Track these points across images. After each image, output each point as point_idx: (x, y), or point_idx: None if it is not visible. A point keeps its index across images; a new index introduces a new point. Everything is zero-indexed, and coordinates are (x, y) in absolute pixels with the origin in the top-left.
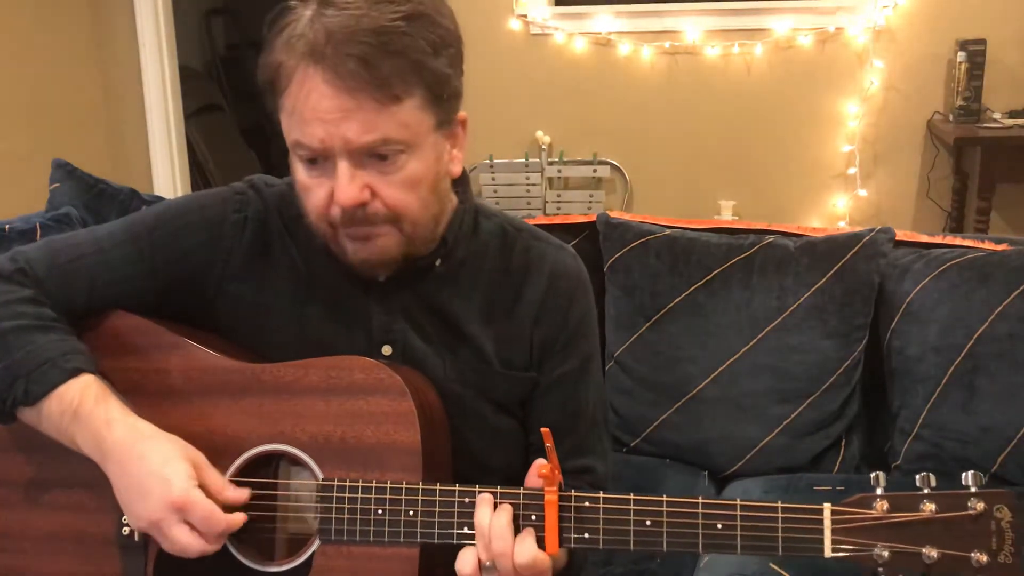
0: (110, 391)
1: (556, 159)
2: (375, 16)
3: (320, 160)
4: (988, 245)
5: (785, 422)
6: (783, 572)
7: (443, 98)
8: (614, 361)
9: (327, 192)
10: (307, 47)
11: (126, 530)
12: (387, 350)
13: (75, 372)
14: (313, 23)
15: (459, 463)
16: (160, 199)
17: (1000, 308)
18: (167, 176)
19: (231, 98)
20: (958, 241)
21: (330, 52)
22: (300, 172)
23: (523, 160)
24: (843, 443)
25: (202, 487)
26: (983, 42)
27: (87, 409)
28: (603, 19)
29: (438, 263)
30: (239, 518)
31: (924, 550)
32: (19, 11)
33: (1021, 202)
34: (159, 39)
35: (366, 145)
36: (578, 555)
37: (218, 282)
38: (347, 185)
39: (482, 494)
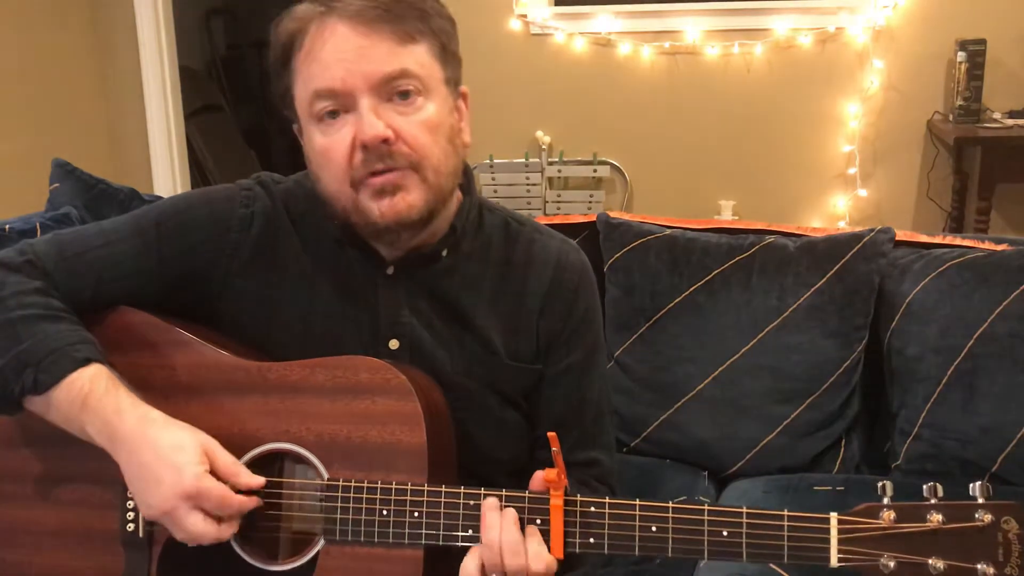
0: (119, 380)
1: (556, 159)
2: None
3: (340, 112)
4: (988, 245)
5: (785, 422)
6: (783, 574)
7: (449, 53)
8: (614, 361)
9: (349, 141)
10: (321, 6)
11: (131, 526)
12: (394, 344)
13: (85, 361)
14: None
15: (465, 456)
16: (160, 199)
17: (1000, 308)
18: (167, 176)
19: (231, 98)
20: (958, 241)
21: (344, 3)
22: (317, 136)
23: (523, 160)
24: (843, 443)
25: (216, 471)
26: (983, 42)
27: (97, 398)
28: (603, 19)
29: (444, 253)
30: (252, 499)
31: (931, 561)
32: (19, 11)
33: (1021, 202)
34: (159, 39)
35: (387, 75)
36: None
37: (224, 277)
38: (371, 119)
39: (489, 499)
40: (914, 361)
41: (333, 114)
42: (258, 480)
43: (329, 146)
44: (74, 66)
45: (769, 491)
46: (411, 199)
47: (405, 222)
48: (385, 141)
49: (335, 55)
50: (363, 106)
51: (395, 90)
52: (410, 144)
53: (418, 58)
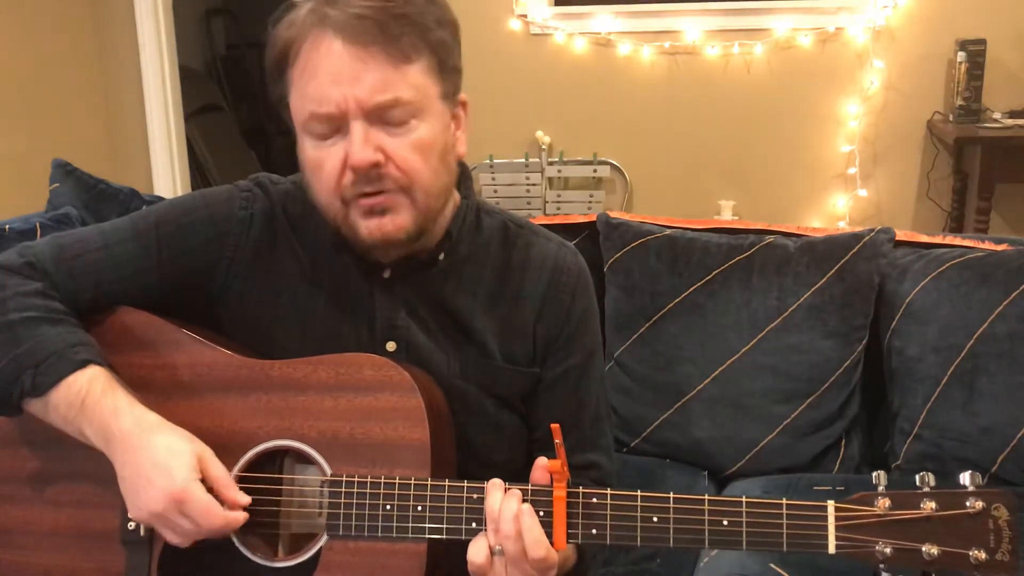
0: (117, 383)
1: (556, 159)
2: None
3: (332, 131)
4: (988, 245)
5: (785, 422)
6: (783, 572)
7: (448, 67)
8: (614, 361)
9: (340, 160)
10: (315, 17)
11: (131, 525)
12: (391, 346)
13: (83, 364)
14: (321, 3)
15: (461, 458)
16: (160, 199)
17: (1000, 308)
18: (167, 176)
19: (231, 98)
20: (958, 241)
21: (339, 14)
22: (310, 149)
23: (523, 160)
24: (843, 443)
25: (207, 481)
26: (983, 42)
27: (94, 399)
28: (603, 19)
29: (441, 257)
30: (240, 516)
31: (925, 547)
32: (19, 11)
33: (1021, 202)
34: (159, 39)
35: (380, 105)
36: (587, 555)
37: (224, 278)
38: (361, 145)
39: (493, 480)
40: (914, 361)
41: (326, 133)
42: (244, 499)
43: (321, 162)
44: (74, 66)
45: (769, 491)
46: (400, 221)
47: (393, 242)
48: (375, 165)
49: (330, 77)
50: (355, 131)
51: (387, 115)
52: (400, 167)
53: (412, 80)
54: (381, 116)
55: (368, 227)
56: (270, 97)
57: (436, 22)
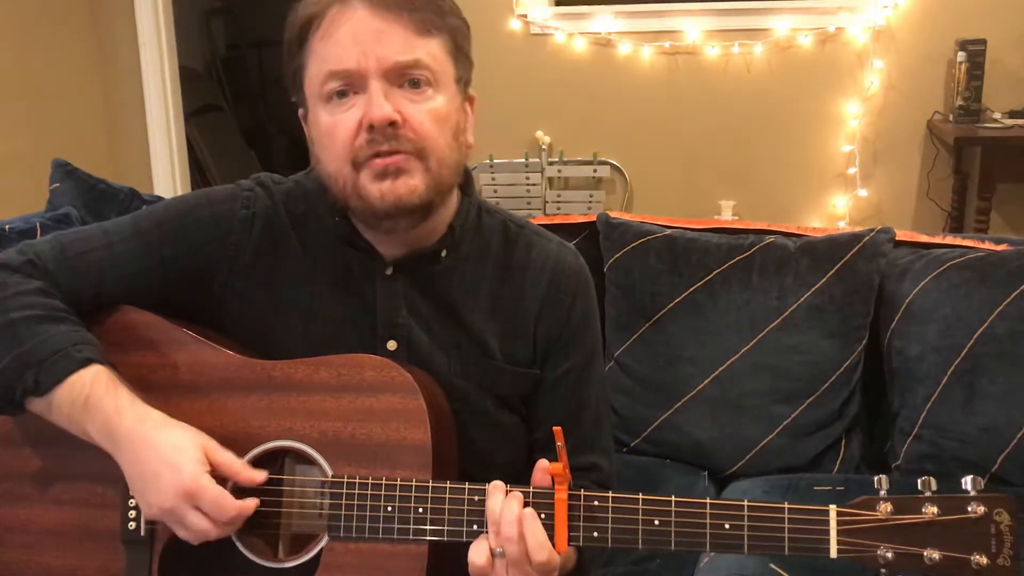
0: (120, 381)
1: (556, 159)
2: None
3: (349, 92)
4: (988, 245)
5: (785, 422)
6: (783, 572)
7: (462, 53)
8: (614, 361)
9: (356, 121)
10: None
11: (132, 525)
12: (392, 345)
13: (86, 362)
14: None
15: (461, 459)
16: (160, 199)
17: (1000, 308)
18: (167, 176)
19: (231, 98)
20: (958, 241)
21: None
22: (324, 115)
23: (523, 160)
24: (843, 443)
25: (216, 469)
26: (983, 42)
27: (97, 398)
28: (603, 19)
29: (444, 253)
30: (251, 503)
31: (926, 552)
32: (19, 12)
33: (1021, 202)
34: (159, 39)
35: (402, 64)
36: (586, 556)
37: (225, 278)
38: (381, 103)
39: (494, 483)
40: (914, 361)
41: (342, 94)
42: (260, 475)
43: (335, 124)
44: (74, 66)
45: (769, 491)
46: (413, 183)
47: (405, 206)
48: (392, 124)
49: (352, 36)
50: (373, 88)
51: (407, 78)
52: (416, 130)
53: (432, 51)
54: (401, 77)
55: (381, 189)
56: (284, 76)
57: (451, 10)
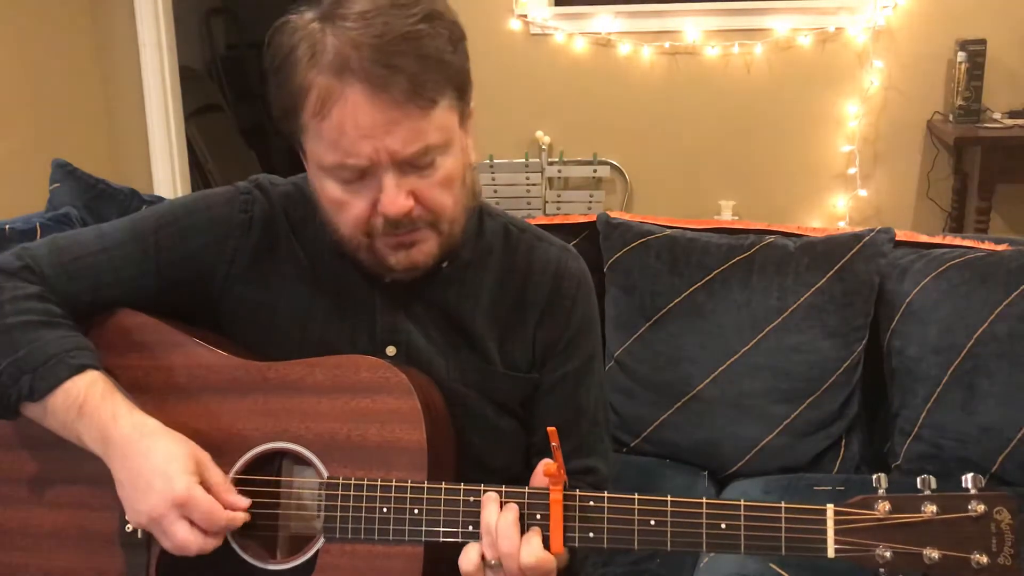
0: (116, 387)
1: (556, 159)
2: (396, 23)
3: (360, 177)
4: (988, 245)
5: (785, 422)
6: (783, 572)
7: (465, 92)
8: (614, 361)
9: (368, 204)
10: (338, 64)
11: (129, 527)
12: (391, 350)
13: (81, 368)
14: (335, 37)
15: (460, 463)
16: (160, 199)
17: (1000, 308)
18: (167, 176)
19: (231, 98)
20: (958, 241)
21: (365, 66)
22: (334, 190)
23: (523, 160)
24: (843, 443)
25: (205, 486)
26: (983, 42)
27: (92, 405)
28: (603, 19)
29: (444, 264)
30: (241, 516)
31: (925, 551)
32: (19, 11)
33: (1021, 202)
34: (159, 39)
35: (412, 155)
36: (578, 554)
37: (223, 282)
38: (396, 196)
39: (488, 493)
40: (914, 361)
41: (353, 179)
42: (243, 501)
43: (347, 203)
44: (74, 66)
45: (769, 491)
46: (427, 249)
47: (419, 268)
48: (408, 212)
49: (360, 131)
50: (387, 181)
51: (416, 163)
52: (429, 207)
53: (438, 122)
54: (411, 163)
55: (397, 258)
56: (271, 106)
57: (453, 45)
